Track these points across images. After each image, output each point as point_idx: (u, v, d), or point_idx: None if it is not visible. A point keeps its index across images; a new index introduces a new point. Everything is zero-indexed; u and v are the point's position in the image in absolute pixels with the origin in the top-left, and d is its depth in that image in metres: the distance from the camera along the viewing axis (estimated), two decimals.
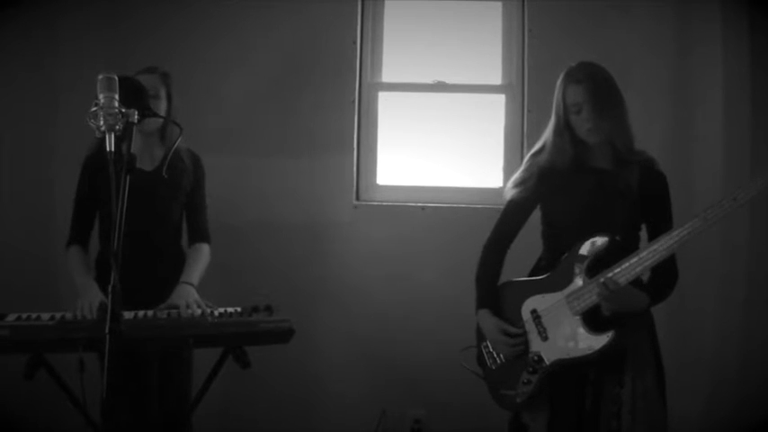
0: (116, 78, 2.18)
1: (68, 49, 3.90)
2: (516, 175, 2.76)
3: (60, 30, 3.91)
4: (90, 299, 2.71)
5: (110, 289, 2.04)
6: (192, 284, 2.90)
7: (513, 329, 2.63)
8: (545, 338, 2.58)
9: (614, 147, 2.59)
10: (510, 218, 2.80)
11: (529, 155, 2.76)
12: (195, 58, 3.92)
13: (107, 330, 2.01)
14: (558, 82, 2.62)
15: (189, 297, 2.80)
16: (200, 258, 3.06)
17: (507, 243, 2.80)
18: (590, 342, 2.46)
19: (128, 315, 2.58)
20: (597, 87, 2.54)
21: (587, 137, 2.56)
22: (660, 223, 2.55)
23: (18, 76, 3.87)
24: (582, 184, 2.60)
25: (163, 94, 3.02)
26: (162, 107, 2.99)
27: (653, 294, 2.51)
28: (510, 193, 2.76)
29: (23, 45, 3.87)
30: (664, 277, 2.52)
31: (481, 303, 2.75)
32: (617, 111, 2.57)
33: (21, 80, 3.88)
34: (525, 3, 4.00)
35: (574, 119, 2.56)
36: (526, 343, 2.62)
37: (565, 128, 2.59)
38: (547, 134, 2.69)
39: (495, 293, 2.74)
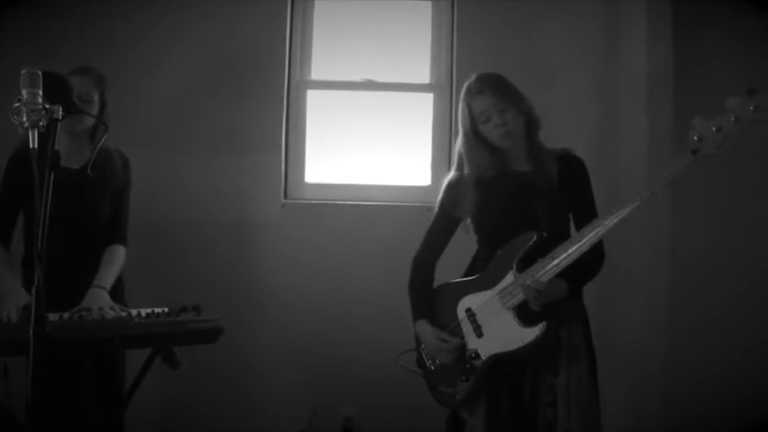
0: (40, 74, 2.13)
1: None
2: (441, 196, 2.83)
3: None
4: (16, 302, 2.63)
5: (33, 290, 1.99)
6: (104, 288, 2.86)
7: (448, 337, 2.68)
8: (480, 335, 2.64)
9: (529, 149, 2.70)
10: (438, 232, 2.87)
11: (445, 186, 2.82)
12: (122, 57, 3.82)
13: (31, 333, 1.97)
14: (461, 98, 2.72)
15: (101, 301, 2.75)
16: (115, 261, 3.00)
17: (437, 255, 2.88)
18: (523, 335, 2.52)
19: (53, 317, 2.51)
20: (500, 92, 2.64)
21: (502, 141, 2.64)
22: (584, 209, 2.67)
23: None
24: (505, 188, 2.68)
25: (96, 98, 2.95)
26: (94, 111, 2.92)
27: (571, 280, 2.56)
28: (436, 209, 2.85)
29: None
30: (585, 262, 2.54)
31: (418, 314, 2.80)
32: (522, 107, 2.66)
33: None
34: (455, 2, 4.04)
35: (484, 128, 2.65)
36: (464, 345, 2.67)
37: (475, 139, 2.68)
38: (456, 158, 2.79)
39: (430, 303, 2.80)
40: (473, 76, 2.71)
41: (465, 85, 2.71)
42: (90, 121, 2.92)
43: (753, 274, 3.90)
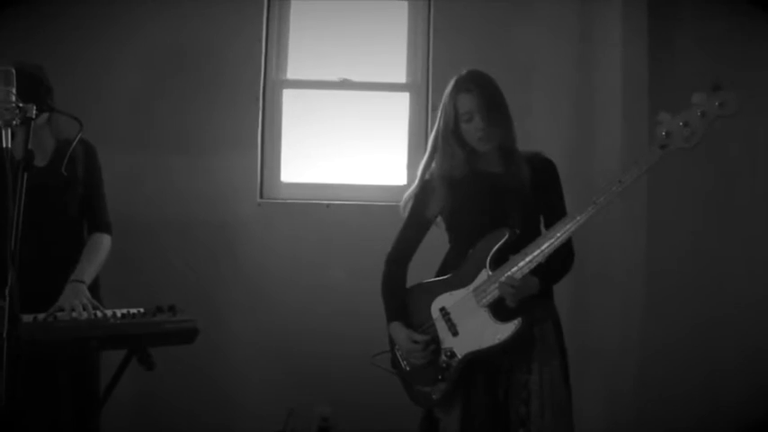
0: (13, 71, 2.11)
1: None
2: (410, 191, 2.83)
3: None
4: None
5: (7, 291, 1.97)
6: (82, 282, 2.81)
7: (420, 338, 2.68)
8: (455, 333, 2.64)
9: (502, 151, 2.69)
10: (410, 232, 2.86)
11: (420, 174, 2.82)
12: (99, 57, 3.83)
13: (4, 335, 1.95)
14: (448, 90, 2.67)
15: (77, 297, 2.70)
16: (96, 252, 2.95)
17: (409, 255, 2.87)
18: (499, 331, 2.53)
19: (27, 318, 2.48)
20: (487, 96, 2.62)
21: (478, 144, 2.63)
22: (554, 210, 2.66)
23: None
24: (477, 188, 2.68)
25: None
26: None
27: (543, 278, 2.57)
28: (407, 208, 2.84)
29: None
30: (556, 260, 2.56)
31: (392, 316, 2.78)
32: (505, 116, 2.66)
33: None
34: (431, 2, 4.05)
35: (465, 127, 2.63)
36: (438, 345, 2.67)
37: (452, 135, 2.66)
38: (430, 147, 2.78)
39: (403, 305, 2.79)
40: (464, 71, 2.67)
41: (453, 79, 2.67)
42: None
43: (728, 285, 3.93)
